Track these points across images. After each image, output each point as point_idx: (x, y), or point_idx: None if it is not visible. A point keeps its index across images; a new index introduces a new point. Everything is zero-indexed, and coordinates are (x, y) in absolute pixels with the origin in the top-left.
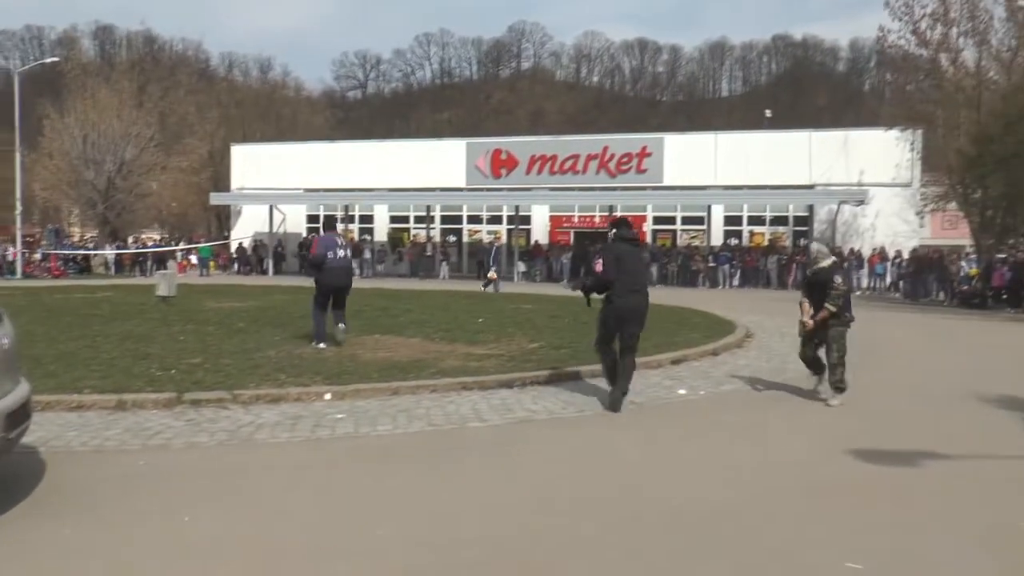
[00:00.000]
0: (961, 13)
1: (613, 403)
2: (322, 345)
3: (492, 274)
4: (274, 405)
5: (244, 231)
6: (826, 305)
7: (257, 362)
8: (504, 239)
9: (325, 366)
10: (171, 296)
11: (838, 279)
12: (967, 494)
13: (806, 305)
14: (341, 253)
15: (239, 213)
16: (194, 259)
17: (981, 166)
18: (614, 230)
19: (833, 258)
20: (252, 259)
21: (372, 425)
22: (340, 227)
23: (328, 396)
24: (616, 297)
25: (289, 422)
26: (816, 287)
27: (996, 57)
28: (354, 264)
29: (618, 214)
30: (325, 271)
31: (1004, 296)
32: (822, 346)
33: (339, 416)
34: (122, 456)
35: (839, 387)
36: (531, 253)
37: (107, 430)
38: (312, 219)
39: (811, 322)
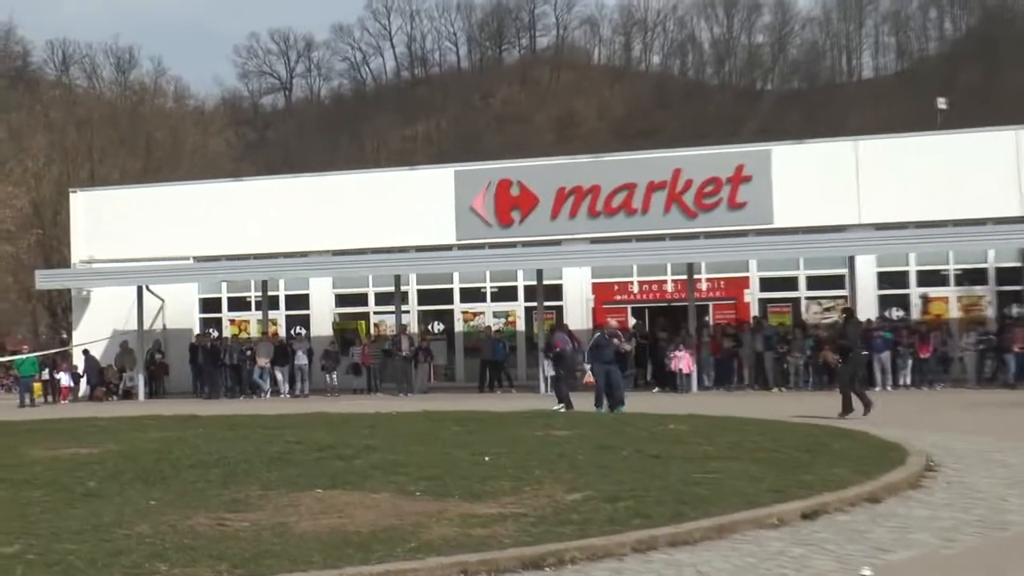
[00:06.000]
0: None
1: None
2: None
3: (589, 377)
4: None
5: (96, 330)
6: None
7: (119, 545)
8: (521, 324)
9: (234, 545)
10: None
11: None
12: None
13: None
14: (570, 346)
15: (86, 300)
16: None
17: None
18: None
19: None
20: (110, 374)
21: None
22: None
23: None
24: None
25: None
26: None
27: None
28: (280, 376)
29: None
30: (567, 360)
31: None
32: None
33: None
34: None
35: None
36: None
37: None
38: (210, 305)
39: None
